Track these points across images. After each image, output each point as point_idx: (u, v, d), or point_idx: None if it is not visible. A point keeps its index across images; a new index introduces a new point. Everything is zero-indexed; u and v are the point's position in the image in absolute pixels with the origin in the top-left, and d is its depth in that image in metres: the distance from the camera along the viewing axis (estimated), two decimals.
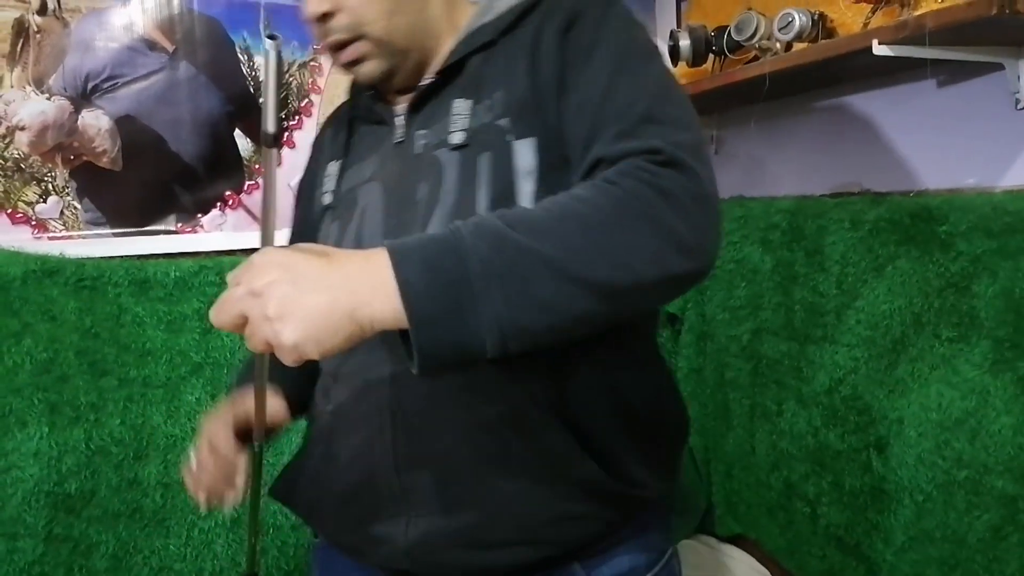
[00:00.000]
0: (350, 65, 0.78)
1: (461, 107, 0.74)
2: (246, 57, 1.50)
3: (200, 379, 1.48)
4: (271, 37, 0.56)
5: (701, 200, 0.60)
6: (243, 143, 1.52)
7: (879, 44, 1.06)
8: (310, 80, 1.54)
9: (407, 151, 0.78)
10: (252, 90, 1.51)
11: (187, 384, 1.47)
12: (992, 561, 1.15)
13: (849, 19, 1.31)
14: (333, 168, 0.86)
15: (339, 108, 0.97)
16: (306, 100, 1.54)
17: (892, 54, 1.06)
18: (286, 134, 1.54)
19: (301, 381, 0.90)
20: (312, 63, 1.54)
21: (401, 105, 0.81)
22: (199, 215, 1.51)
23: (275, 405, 0.84)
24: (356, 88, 0.89)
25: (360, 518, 0.76)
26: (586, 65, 0.69)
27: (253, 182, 1.53)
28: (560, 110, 0.69)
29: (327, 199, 0.85)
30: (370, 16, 0.74)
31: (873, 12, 1.25)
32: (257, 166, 1.52)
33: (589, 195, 0.59)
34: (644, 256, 0.56)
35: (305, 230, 0.92)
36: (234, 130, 1.51)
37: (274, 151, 0.58)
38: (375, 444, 0.73)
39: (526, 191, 0.70)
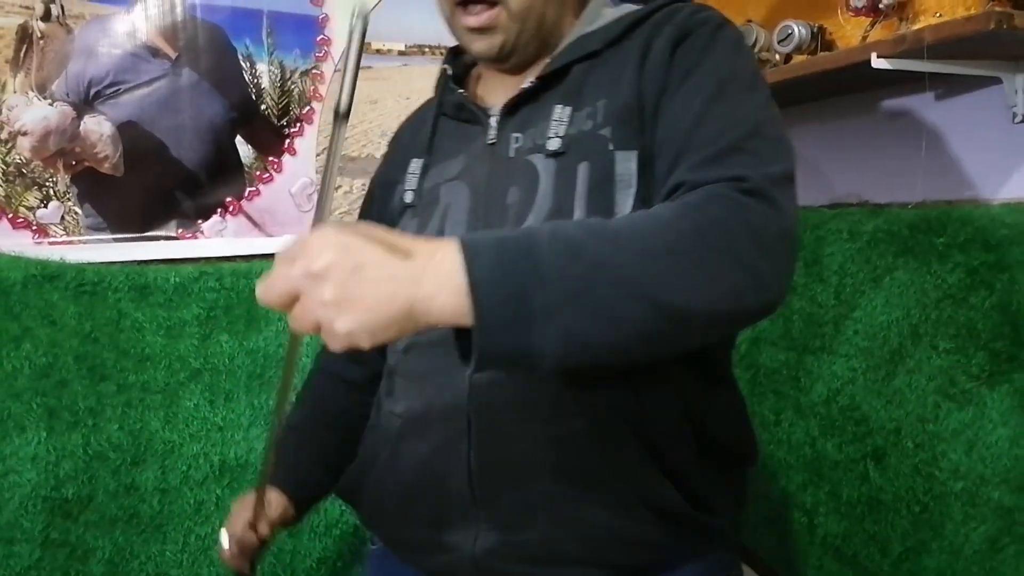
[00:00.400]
0: (477, 31, 0.76)
1: (560, 113, 0.73)
2: (248, 64, 1.51)
3: (199, 385, 1.48)
4: (362, 13, 0.55)
5: (783, 236, 0.59)
6: (244, 150, 1.52)
7: (878, 57, 1.07)
8: (312, 88, 1.55)
9: (500, 153, 0.77)
10: (254, 97, 1.52)
11: (186, 390, 1.48)
12: (989, 572, 1.15)
13: (848, 32, 1.32)
14: (415, 166, 0.84)
15: (422, 106, 0.96)
16: (308, 107, 1.55)
17: (890, 67, 1.07)
18: (287, 141, 1.55)
19: (312, 479, 0.91)
20: (314, 71, 1.55)
21: (496, 106, 0.80)
22: (200, 221, 1.51)
23: (279, 504, 0.86)
24: (444, 85, 0.88)
25: (427, 523, 0.75)
26: (684, 86, 0.68)
27: (254, 188, 1.53)
28: (653, 127, 0.69)
29: (408, 197, 0.83)
30: None
31: (872, 26, 1.26)
32: (259, 172, 1.53)
33: (672, 217, 0.56)
34: (721, 288, 0.55)
35: None
36: (235, 137, 1.52)
37: (343, 127, 0.55)
38: (449, 450, 0.72)
39: (625, 204, 0.69)
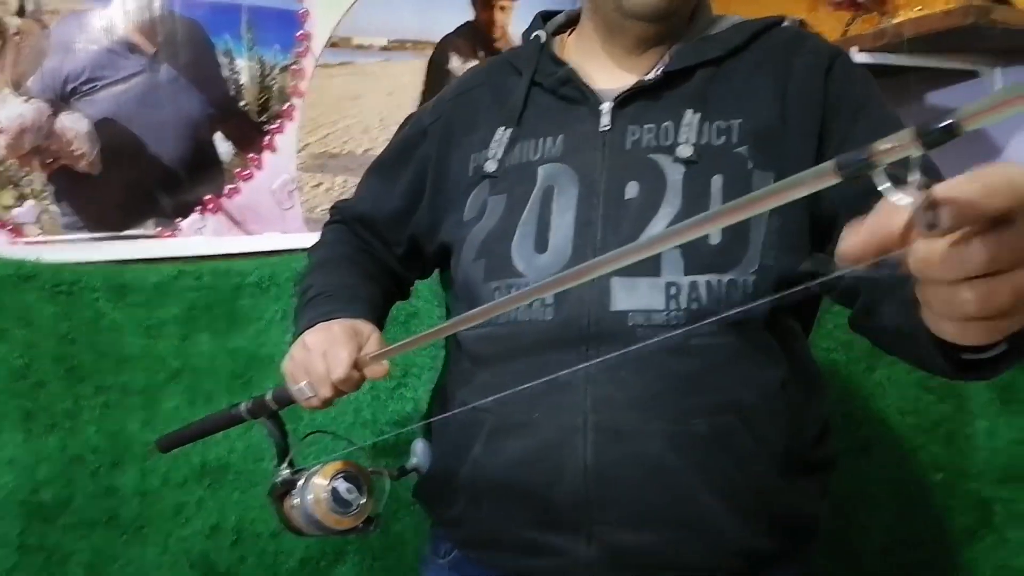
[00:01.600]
0: None
1: (691, 119, 0.72)
2: (227, 60, 1.49)
3: (179, 386, 1.46)
4: None
5: None
6: (224, 147, 1.50)
7: (859, 51, 1.08)
8: (292, 83, 1.53)
9: (616, 143, 0.73)
10: (233, 93, 1.50)
11: (165, 391, 1.45)
12: (967, 563, 1.17)
13: (830, 27, 1.33)
14: (502, 134, 0.79)
15: (492, 64, 0.89)
16: (288, 103, 1.53)
17: (872, 61, 1.08)
18: (267, 137, 1.53)
19: (377, 300, 0.87)
20: (294, 66, 1.53)
21: (608, 90, 0.76)
22: (178, 219, 1.49)
23: (377, 339, 0.78)
24: (538, 54, 0.83)
25: (533, 524, 0.71)
26: (859, 122, 0.71)
27: (234, 186, 1.51)
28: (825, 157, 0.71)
29: (491, 167, 0.78)
30: None
31: (853, 20, 1.27)
32: (239, 169, 1.51)
33: None
34: None
35: (419, 191, 0.87)
36: (215, 133, 1.50)
37: None
38: (562, 448, 0.69)
39: (759, 219, 0.69)
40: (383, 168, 0.94)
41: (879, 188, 0.33)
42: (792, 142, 0.70)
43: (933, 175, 0.44)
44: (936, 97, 1.25)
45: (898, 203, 0.32)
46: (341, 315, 0.78)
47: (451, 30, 1.60)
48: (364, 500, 0.76)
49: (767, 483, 0.68)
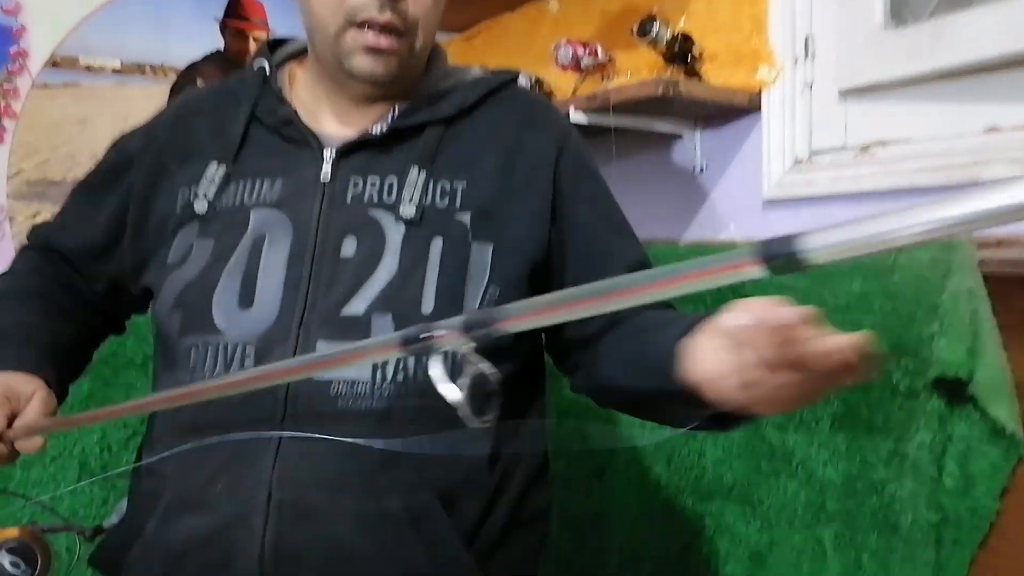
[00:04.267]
0: (375, 51, 0.69)
1: (417, 178, 0.69)
2: None
3: None
4: None
5: None
6: None
7: (575, 111, 1.17)
8: (2, 103, 1.36)
9: (335, 195, 0.70)
10: None
11: None
12: (687, 575, 1.29)
13: (564, 85, 1.43)
14: (215, 171, 0.73)
15: (213, 91, 0.82)
16: None
17: (586, 121, 1.17)
18: None
19: (64, 349, 0.76)
20: (6, 85, 1.37)
21: (330, 136, 0.72)
22: None
23: (39, 405, 0.67)
24: (260, 87, 0.76)
25: None
26: (580, 204, 0.74)
27: None
28: (554, 240, 0.72)
29: (200, 207, 0.72)
30: (425, 23, 0.71)
31: (582, 80, 1.38)
32: None
33: None
34: None
35: (121, 226, 0.78)
36: None
37: None
38: (237, 527, 0.62)
39: (475, 295, 0.68)
40: (86, 192, 0.83)
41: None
42: (515, 218, 0.71)
43: None
44: (652, 156, 1.39)
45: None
46: (1, 366, 0.68)
47: (196, 57, 1.52)
48: (35, 572, 0.68)
49: (462, 563, 0.65)
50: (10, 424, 0.64)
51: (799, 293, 1.04)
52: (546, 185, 0.73)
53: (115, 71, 1.47)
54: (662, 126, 1.23)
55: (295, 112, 0.74)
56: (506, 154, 0.73)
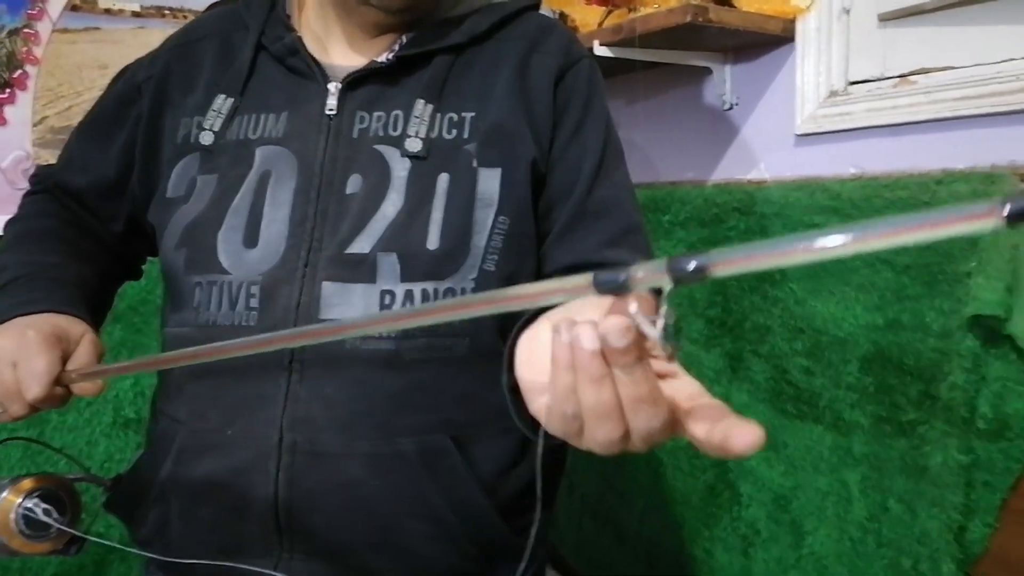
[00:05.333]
0: None
1: (423, 111, 0.67)
2: None
3: None
4: None
5: None
6: None
7: (599, 45, 1.12)
8: (24, 49, 1.36)
9: (341, 130, 0.68)
10: None
11: None
12: (709, 518, 1.29)
13: (590, 19, 1.38)
14: (222, 103, 0.71)
15: (231, 14, 0.78)
16: (20, 71, 1.36)
17: (611, 55, 1.12)
18: None
19: (94, 290, 0.75)
20: (26, 30, 1.36)
21: (337, 68, 0.70)
22: None
23: (90, 347, 0.65)
24: (267, 14, 0.74)
25: (221, 550, 0.65)
26: (573, 145, 0.70)
27: None
28: (543, 162, 0.69)
29: (206, 139, 0.70)
30: None
31: (608, 14, 1.33)
32: None
33: None
34: None
35: (131, 159, 0.75)
36: None
37: None
38: (253, 471, 0.62)
39: (485, 222, 0.65)
40: (94, 127, 0.79)
41: (641, 325, 0.34)
42: (523, 141, 0.68)
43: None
44: (679, 91, 1.34)
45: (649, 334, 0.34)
46: (42, 306, 0.66)
47: None
48: (66, 520, 0.69)
49: (477, 507, 0.65)
50: (63, 366, 0.63)
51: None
52: (548, 107, 0.70)
53: (135, 14, 1.45)
54: (691, 59, 1.18)
55: (300, 40, 0.71)
56: (515, 77, 0.69)
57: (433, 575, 0.65)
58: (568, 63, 0.72)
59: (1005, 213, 0.25)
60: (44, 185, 0.81)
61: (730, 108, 1.26)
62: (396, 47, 0.71)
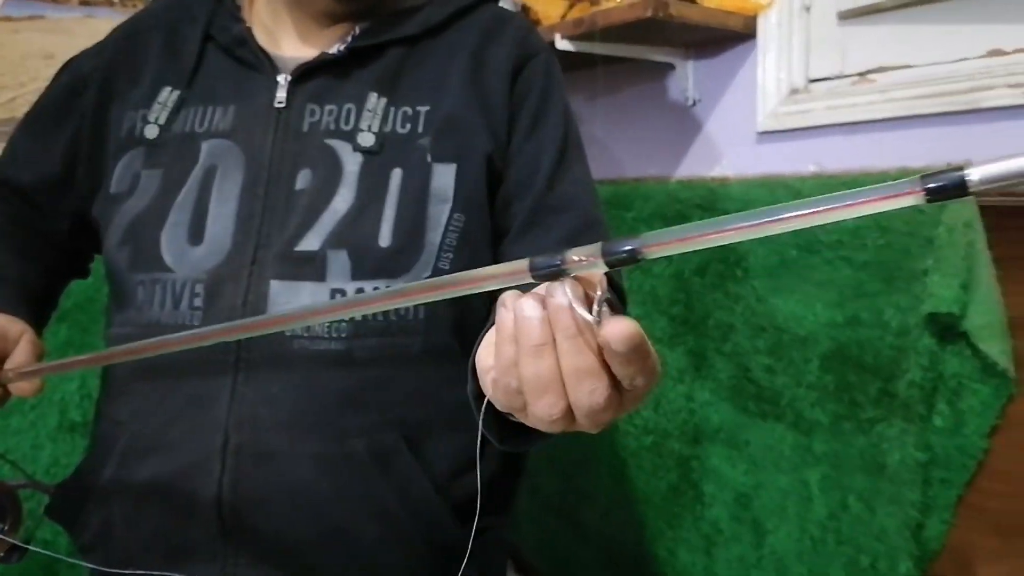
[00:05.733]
0: None
1: (376, 104, 0.65)
2: None
3: None
4: None
5: None
6: None
7: (561, 38, 1.11)
8: None
9: (289, 123, 0.66)
10: None
11: None
12: (671, 517, 1.28)
13: (552, 12, 1.36)
14: (167, 96, 0.69)
15: (167, 7, 0.76)
16: None
17: (572, 49, 1.11)
18: None
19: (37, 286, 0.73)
20: None
21: (286, 59, 0.68)
22: None
23: (29, 347, 0.63)
24: (217, 3, 0.72)
25: (165, 555, 0.63)
26: (533, 138, 0.68)
27: None
28: (505, 163, 0.67)
29: (151, 132, 0.68)
30: None
31: (571, 7, 1.31)
32: None
33: None
34: None
35: (77, 154, 0.73)
36: None
37: None
38: (195, 472, 0.60)
39: (439, 218, 0.64)
40: (39, 121, 0.77)
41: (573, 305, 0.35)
42: (478, 135, 0.66)
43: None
44: (644, 87, 1.33)
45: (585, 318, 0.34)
46: None
47: None
48: (5, 528, 0.65)
49: (430, 507, 0.63)
50: (0, 366, 0.61)
51: (790, 231, 1.00)
52: (504, 100, 0.68)
53: (82, 2, 1.40)
54: (653, 54, 1.17)
55: (249, 30, 0.69)
56: (470, 69, 0.68)
57: None
58: (525, 55, 0.70)
59: (924, 189, 0.28)
60: None
61: (693, 104, 1.25)
62: (348, 38, 0.69)
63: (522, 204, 0.67)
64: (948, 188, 0.28)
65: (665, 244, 0.32)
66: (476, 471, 0.66)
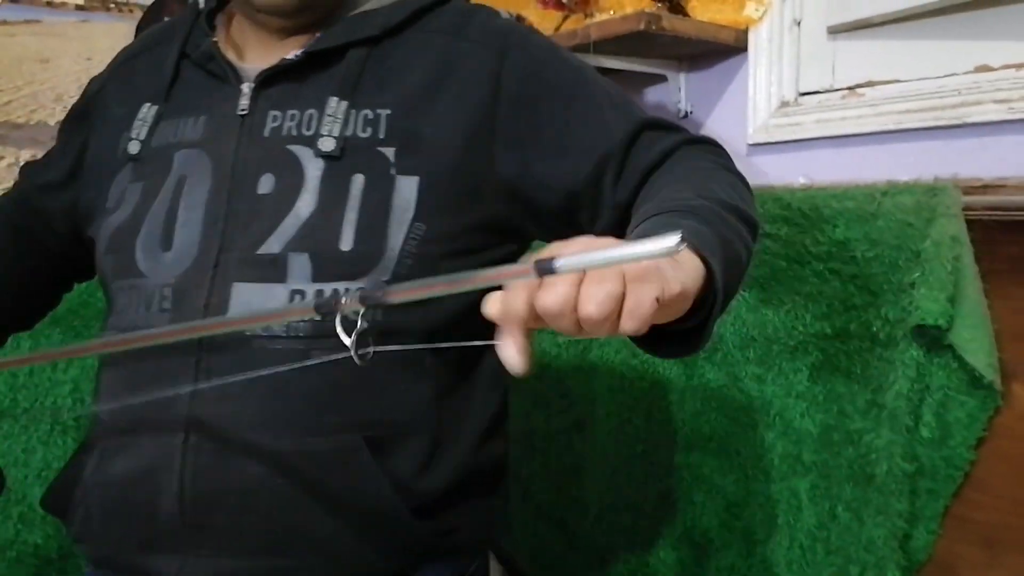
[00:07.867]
0: None
1: (336, 108, 0.66)
2: None
3: None
4: None
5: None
6: None
7: None
8: None
9: (252, 129, 0.68)
10: None
11: None
12: (661, 525, 1.29)
13: (546, 24, 1.37)
14: (147, 112, 0.73)
15: (158, 31, 0.81)
16: None
17: None
18: None
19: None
20: None
21: (250, 68, 0.69)
22: None
23: None
24: (193, 23, 0.75)
25: (135, 546, 0.66)
26: (541, 103, 0.69)
27: None
28: (514, 159, 0.67)
29: (134, 148, 0.71)
30: None
31: (564, 19, 1.32)
32: None
33: (709, 167, 0.67)
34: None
35: (83, 173, 0.79)
36: None
37: None
38: (159, 469, 0.63)
39: (399, 232, 0.64)
40: (61, 131, 0.84)
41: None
42: (444, 145, 0.66)
43: None
44: (634, 98, 1.34)
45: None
46: None
47: None
48: None
49: (387, 506, 0.64)
50: None
51: (780, 242, 1.01)
52: (484, 100, 0.67)
53: (78, 7, 1.40)
54: (646, 66, 1.18)
55: (215, 44, 0.72)
56: (436, 71, 0.68)
57: (346, 573, 0.65)
58: (505, 43, 0.69)
59: (535, 269, 0.38)
60: (20, 178, 0.86)
61: (685, 116, 1.26)
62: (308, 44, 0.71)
63: (576, 179, 0.68)
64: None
65: (404, 293, 0.43)
66: (441, 470, 0.67)
